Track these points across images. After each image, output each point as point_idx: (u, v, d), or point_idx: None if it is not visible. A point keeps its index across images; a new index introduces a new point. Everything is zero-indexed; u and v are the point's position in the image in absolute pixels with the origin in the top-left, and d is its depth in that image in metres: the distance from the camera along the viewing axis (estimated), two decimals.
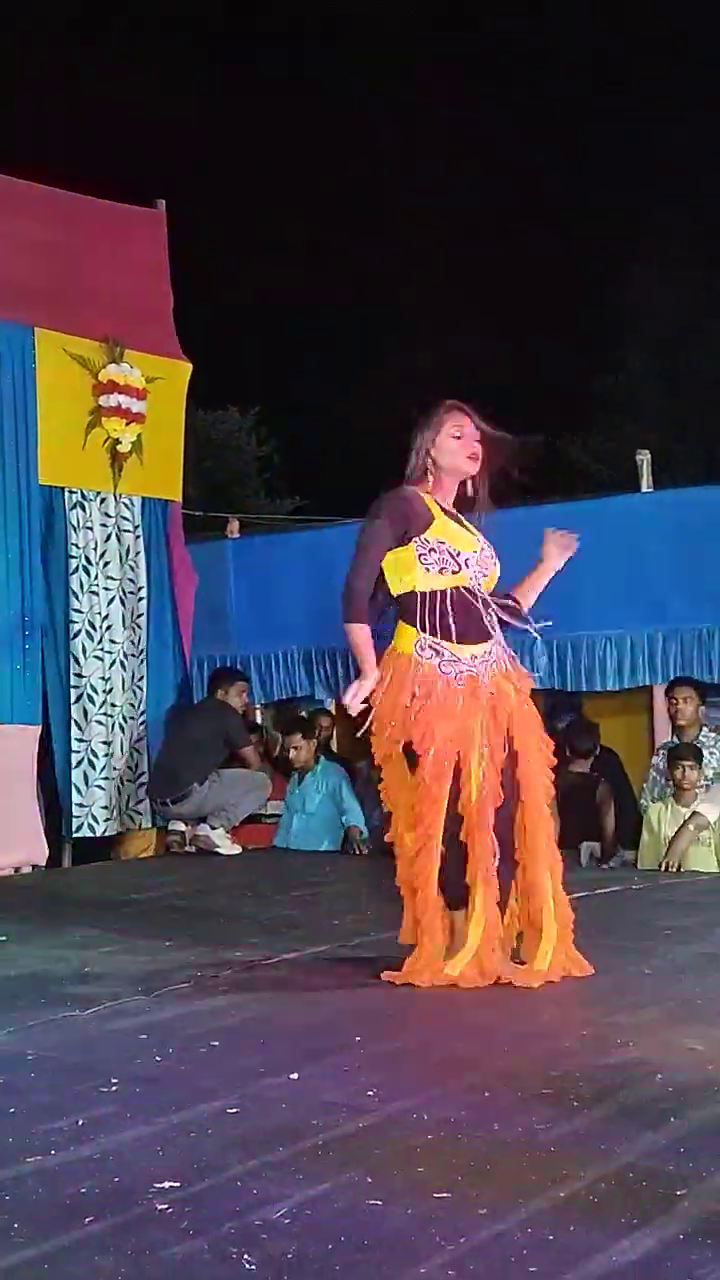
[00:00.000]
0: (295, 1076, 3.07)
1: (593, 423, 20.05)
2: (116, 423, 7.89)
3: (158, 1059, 3.27)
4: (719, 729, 7.20)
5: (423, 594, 3.97)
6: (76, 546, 7.73)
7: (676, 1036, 3.33)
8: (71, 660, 7.70)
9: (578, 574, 7.74)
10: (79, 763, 7.70)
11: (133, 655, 8.04)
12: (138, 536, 8.11)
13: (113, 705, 7.87)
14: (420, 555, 3.95)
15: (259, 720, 9.41)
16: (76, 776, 7.69)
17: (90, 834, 7.75)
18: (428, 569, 3.94)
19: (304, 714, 8.71)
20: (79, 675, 7.73)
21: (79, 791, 7.69)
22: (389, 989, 4.00)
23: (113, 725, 7.87)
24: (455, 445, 4.09)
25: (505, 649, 4.10)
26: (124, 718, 7.95)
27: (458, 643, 3.92)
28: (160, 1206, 2.28)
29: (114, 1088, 3.01)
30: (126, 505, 8.05)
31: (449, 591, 3.95)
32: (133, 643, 8.04)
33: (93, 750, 7.76)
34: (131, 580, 8.05)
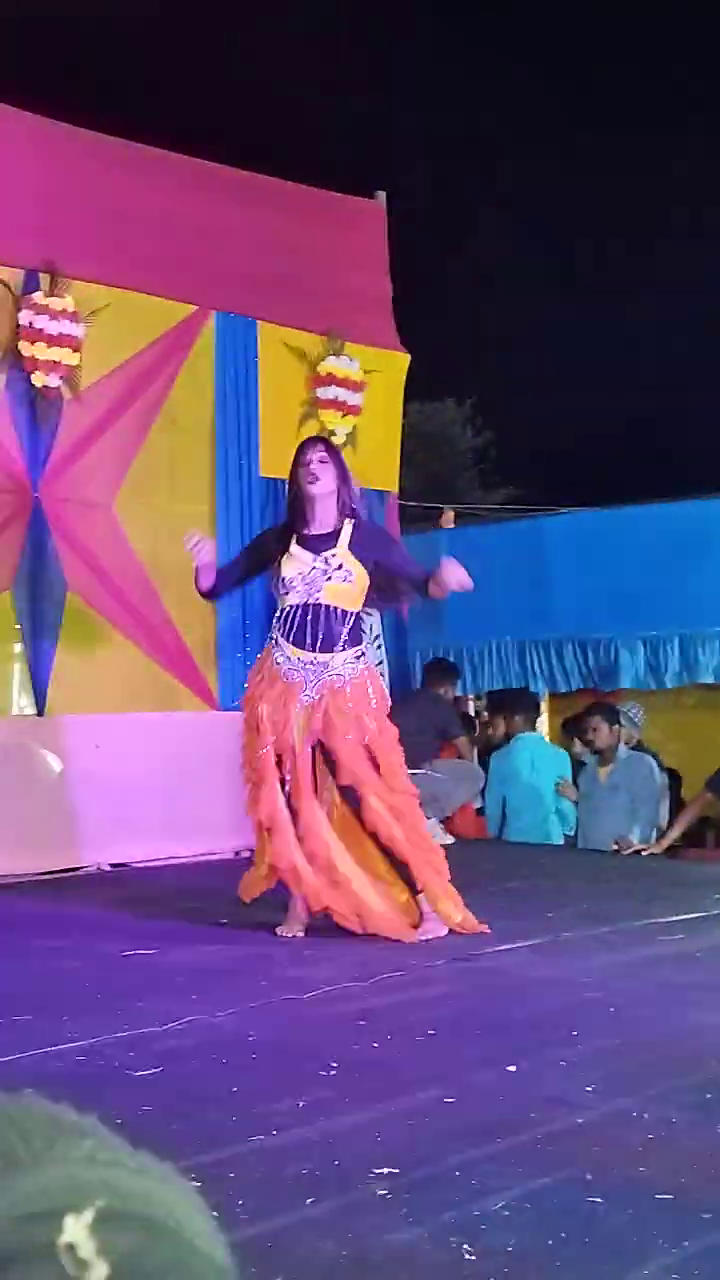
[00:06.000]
0: (513, 1069, 3.05)
1: None
2: (332, 414, 7.97)
3: (375, 1045, 3.30)
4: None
5: (277, 609, 4.93)
6: None
7: None
8: None
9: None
10: None
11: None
12: None
13: None
14: (270, 581, 4.95)
15: (471, 711, 9.40)
16: None
17: None
18: (274, 591, 4.95)
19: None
20: None
21: None
22: (608, 983, 3.95)
23: None
24: (299, 474, 4.84)
25: (349, 665, 4.80)
26: None
27: (289, 642, 4.76)
28: (380, 1192, 2.29)
29: (333, 1072, 3.04)
30: None
31: (289, 608, 4.80)
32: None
33: None
34: None
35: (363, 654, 4.88)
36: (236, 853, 7.30)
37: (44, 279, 6.71)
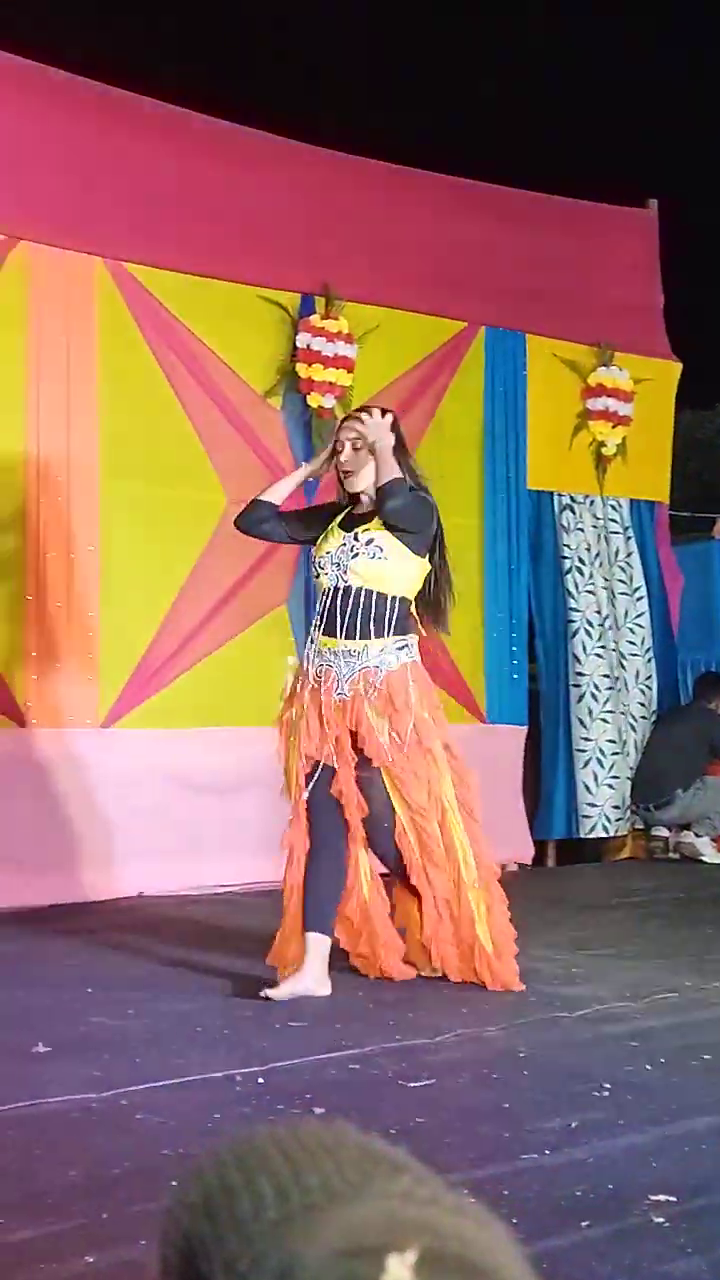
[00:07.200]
0: None
1: None
2: (603, 425, 7.90)
3: (648, 1068, 3.26)
4: None
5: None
6: (568, 548, 7.79)
7: None
8: (572, 659, 7.76)
9: None
10: (586, 762, 7.69)
11: (635, 655, 8.00)
12: (628, 538, 8.08)
13: (622, 704, 7.87)
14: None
15: None
16: (585, 776, 7.68)
17: (605, 834, 7.75)
18: (310, 571, 4.52)
19: None
20: (580, 674, 7.75)
21: (589, 791, 7.70)
22: None
23: (621, 724, 7.86)
24: (335, 462, 4.35)
25: (388, 654, 4.13)
26: (634, 717, 7.94)
27: (323, 635, 4.19)
28: (657, 1219, 2.27)
29: (606, 1093, 3.02)
30: (614, 507, 8.05)
31: (320, 593, 4.28)
32: (631, 642, 8.00)
33: (600, 749, 7.79)
34: (623, 581, 8.02)
35: (407, 645, 4.17)
36: (504, 865, 7.30)
37: (319, 302, 6.87)
